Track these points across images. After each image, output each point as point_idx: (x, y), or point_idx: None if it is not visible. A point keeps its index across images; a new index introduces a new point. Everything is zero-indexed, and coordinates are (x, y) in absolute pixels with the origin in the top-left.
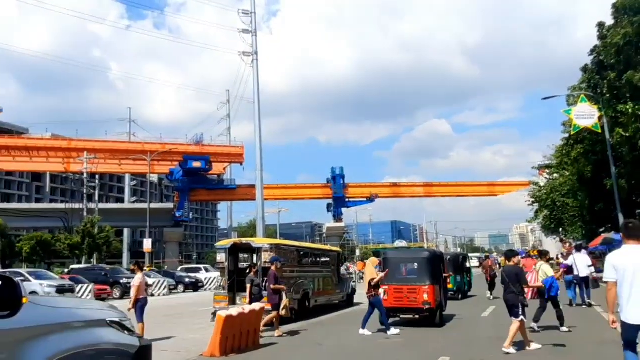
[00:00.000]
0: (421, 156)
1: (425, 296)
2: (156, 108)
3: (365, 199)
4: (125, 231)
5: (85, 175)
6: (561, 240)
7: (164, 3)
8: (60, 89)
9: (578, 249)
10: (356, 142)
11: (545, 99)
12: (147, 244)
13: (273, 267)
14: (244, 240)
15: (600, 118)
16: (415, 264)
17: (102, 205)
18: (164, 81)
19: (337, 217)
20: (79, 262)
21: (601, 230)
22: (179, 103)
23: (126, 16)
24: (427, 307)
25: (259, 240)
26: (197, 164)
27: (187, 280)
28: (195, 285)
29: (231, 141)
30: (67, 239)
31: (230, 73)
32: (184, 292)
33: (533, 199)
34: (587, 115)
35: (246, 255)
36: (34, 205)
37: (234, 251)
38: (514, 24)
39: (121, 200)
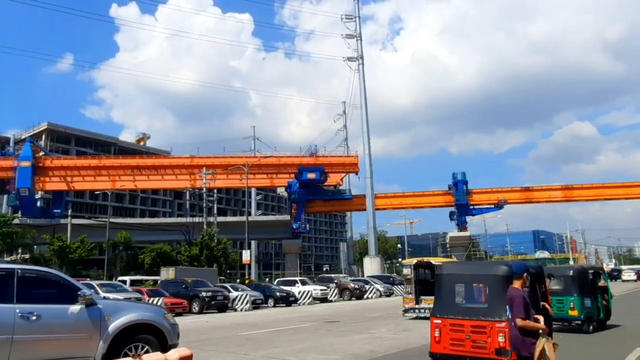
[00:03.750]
0: (562, 162)
1: (501, 338)
2: (291, 129)
3: (492, 206)
4: (253, 243)
5: (204, 189)
6: None
7: (294, 34)
8: (207, 118)
9: None
10: (489, 151)
11: None
12: (246, 256)
13: (517, 284)
14: (425, 259)
15: None
16: (485, 286)
17: (220, 219)
18: (297, 104)
19: (461, 226)
20: None
21: None
22: (311, 123)
23: (262, 49)
24: (503, 357)
25: (437, 259)
26: (311, 175)
27: (278, 294)
28: (287, 300)
29: (348, 152)
30: (186, 250)
31: (355, 88)
32: (274, 306)
33: None
34: None
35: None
36: (158, 220)
37: (417, 267)
38: None
39: (250, 214)
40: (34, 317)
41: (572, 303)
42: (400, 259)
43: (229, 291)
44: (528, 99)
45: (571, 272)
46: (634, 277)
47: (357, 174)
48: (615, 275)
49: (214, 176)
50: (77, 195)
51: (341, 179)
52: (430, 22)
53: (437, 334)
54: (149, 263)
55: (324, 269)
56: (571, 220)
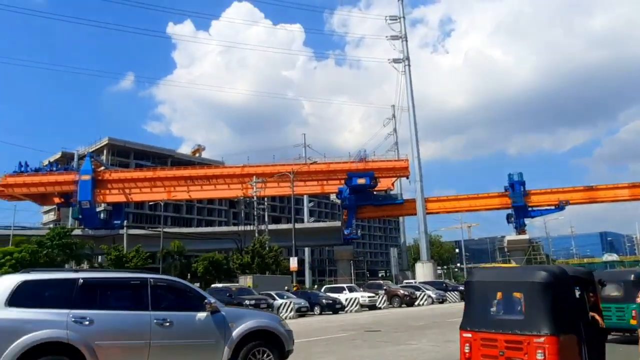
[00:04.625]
0: (630, 159)
1: (540, 356)
2: (345, 136)
3: (553, 207)
4: (306, 250)
5: (255, 198)
6: None
7: (344, 41)
8: (262, 129)
9: None
10: (551, 152)
11: None
12: (293, 263)
13: None
14: (496, 265)
15: None
16: (522, 294)
17: (272, 226)
18: (349, 111)
19: (520, 229)
20: None
21: None
22: (364, 129)
23: (313, 57)
24: None
25: (508, 265)
26: (361, 181)
27: (324, 301)
28: (333, 307)
29: (399, 156)
30: (237, 258)
31: (403, 91)
32: (320, 314)
33: None
34: None
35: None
36: (210, 229)
37: None
38: None
39: (302, 222)
40: (167, 324)
41: (633, 312)
42: (458, 264)
43: (274, 299)
44: (590, 96)
45: (632, 276)
46: None
47: (407, 177)
48: None
49: (265, 184)
50: (137, 207)
51: (392, 184)
52: (482, 21)
53: (467, 349)
54: (202, 271)
55: (380, 275)
56: None
